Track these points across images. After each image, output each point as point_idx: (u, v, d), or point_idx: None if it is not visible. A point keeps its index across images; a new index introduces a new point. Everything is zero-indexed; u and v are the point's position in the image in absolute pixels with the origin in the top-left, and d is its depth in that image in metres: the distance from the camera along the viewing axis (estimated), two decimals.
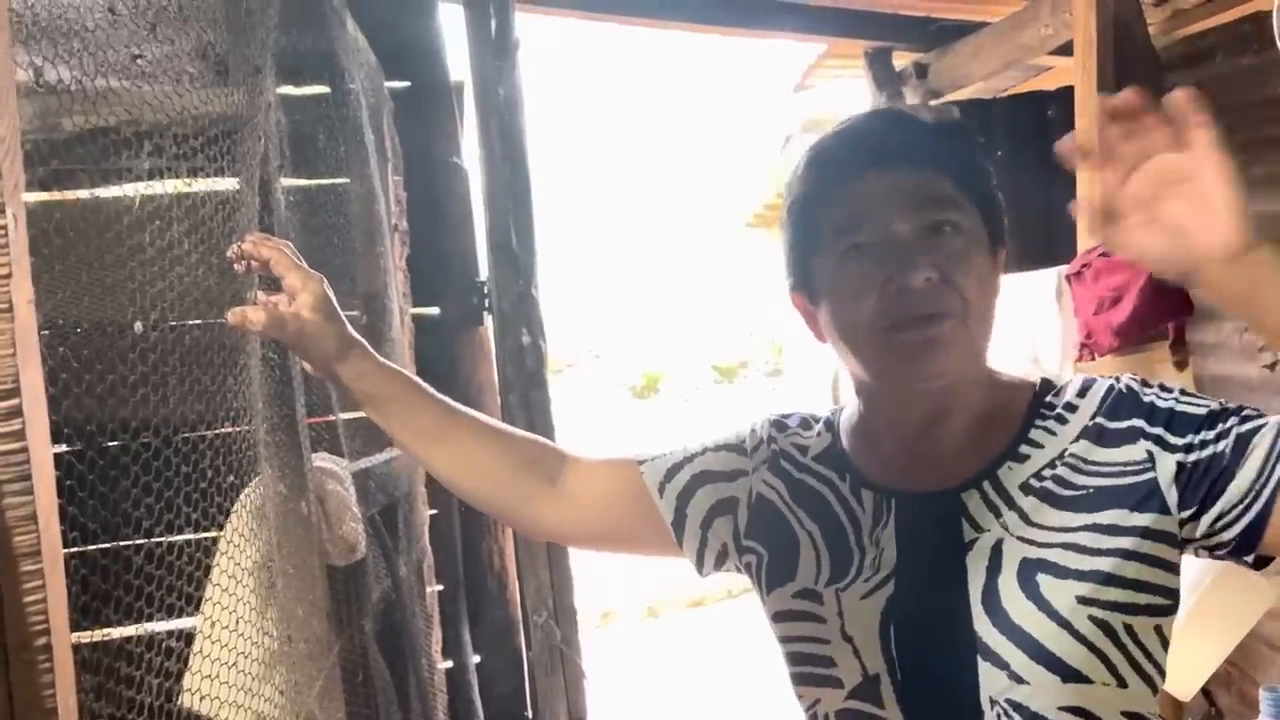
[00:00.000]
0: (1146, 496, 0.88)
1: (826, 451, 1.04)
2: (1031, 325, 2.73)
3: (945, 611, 0.91)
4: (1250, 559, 0.88)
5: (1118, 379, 0.95)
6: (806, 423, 1.09)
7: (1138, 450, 0.90)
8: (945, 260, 0.90)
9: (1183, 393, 0.92)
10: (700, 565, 1.08)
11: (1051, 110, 3.31)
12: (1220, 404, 0.90)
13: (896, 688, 0.92)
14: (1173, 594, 0.90)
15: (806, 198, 0.97)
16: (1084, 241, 2.53)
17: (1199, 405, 0.90)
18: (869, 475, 1.00)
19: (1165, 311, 2.38)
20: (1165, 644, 0.92)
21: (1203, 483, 0.86)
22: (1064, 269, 2.58)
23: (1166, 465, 0.88)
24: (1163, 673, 0.92)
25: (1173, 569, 0.90)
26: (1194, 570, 2.33)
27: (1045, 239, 2.89)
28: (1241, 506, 0.85)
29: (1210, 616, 2.28)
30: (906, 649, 0.93)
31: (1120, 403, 0.92)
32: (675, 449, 1.10)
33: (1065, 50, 2.69)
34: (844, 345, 0.95)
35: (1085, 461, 0.92)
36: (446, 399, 1.11)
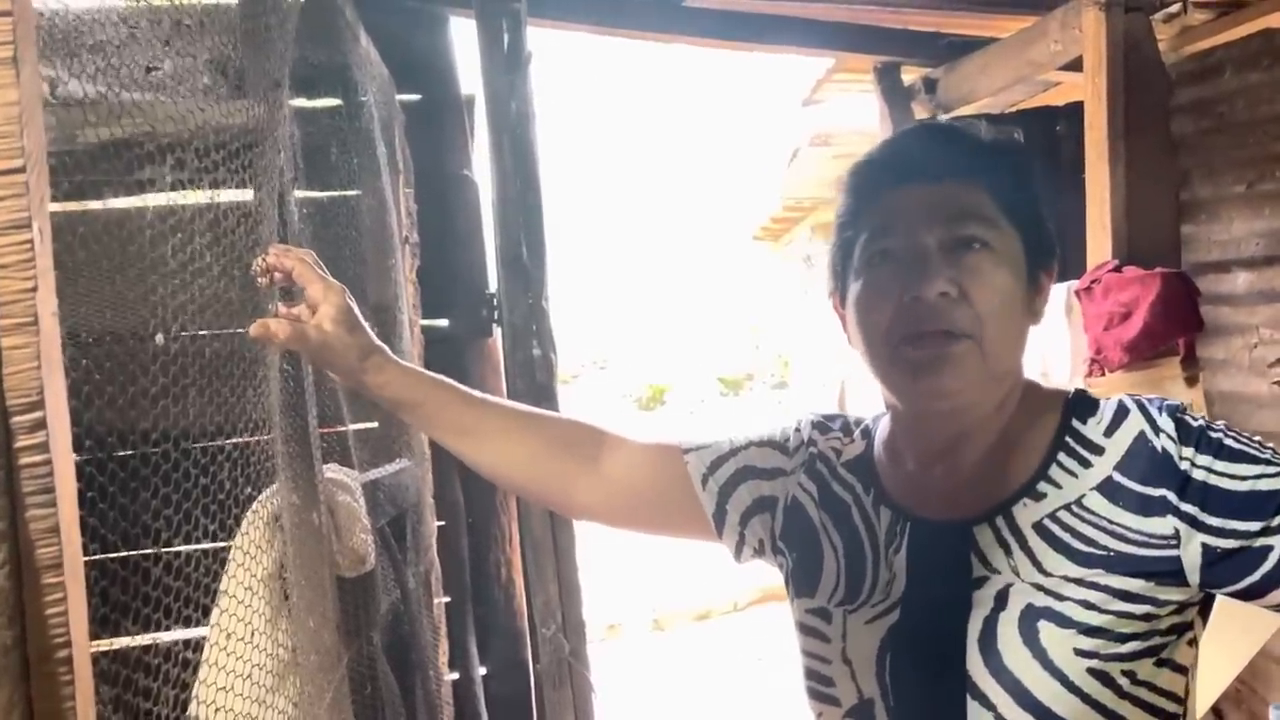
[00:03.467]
0: (1169, 573, 0.84)
1: (858, 459, 1.03)
2: (1041, 340, 2.73)
3: (941, 646, 0.89)
4: None
5: (1153, 419, 0.88)
6: (848, 427, 1.07)
7: (1165, 524, 0.84)
8: (966, 276, 0.88)
9: (1221, 449, 0.84)
10: (738, 555, 1.09)
11: (1060, 125, 3.31)
12: (1267, 467, 0.83)
13: (889, 714, 0.92)
14: (1176, 628, 0.87)
15: (849, 207, 0.97)
16: (1094, 257, 2.53)
17: (1238, 480, 0.83)
18: (890, 492, 0.99)
19: (1175, 327, 2.36)
20: (1179, 668, 0.88)
21: (1229, 571, 0.83)
22: (1073, 284, 2.58)
23: (1193, 545, 0.83)
24: (1178, 699, 0.88)
25: (1181, 609, 0.86)
26: None
27: None
28: (1266, 600, 0.83)
29: (1221, 634, 2.27)
30: (900, 678, 0.92)
31: (1150, 463, 0.86)
32: (720, 440, 1.09)
33: (1074, 66, 2.68)
34: (863, 355, 0.95)
35: (1101, 518, 0.87)
36: (476, 393, 1.11)
